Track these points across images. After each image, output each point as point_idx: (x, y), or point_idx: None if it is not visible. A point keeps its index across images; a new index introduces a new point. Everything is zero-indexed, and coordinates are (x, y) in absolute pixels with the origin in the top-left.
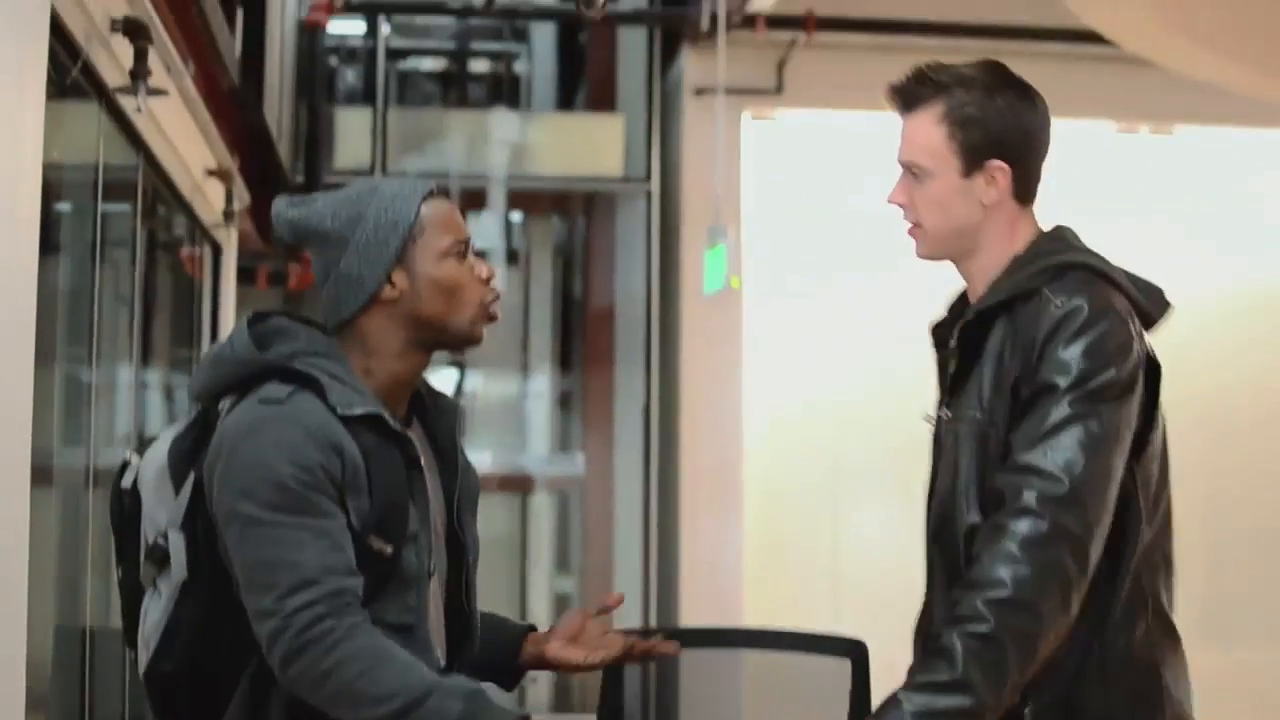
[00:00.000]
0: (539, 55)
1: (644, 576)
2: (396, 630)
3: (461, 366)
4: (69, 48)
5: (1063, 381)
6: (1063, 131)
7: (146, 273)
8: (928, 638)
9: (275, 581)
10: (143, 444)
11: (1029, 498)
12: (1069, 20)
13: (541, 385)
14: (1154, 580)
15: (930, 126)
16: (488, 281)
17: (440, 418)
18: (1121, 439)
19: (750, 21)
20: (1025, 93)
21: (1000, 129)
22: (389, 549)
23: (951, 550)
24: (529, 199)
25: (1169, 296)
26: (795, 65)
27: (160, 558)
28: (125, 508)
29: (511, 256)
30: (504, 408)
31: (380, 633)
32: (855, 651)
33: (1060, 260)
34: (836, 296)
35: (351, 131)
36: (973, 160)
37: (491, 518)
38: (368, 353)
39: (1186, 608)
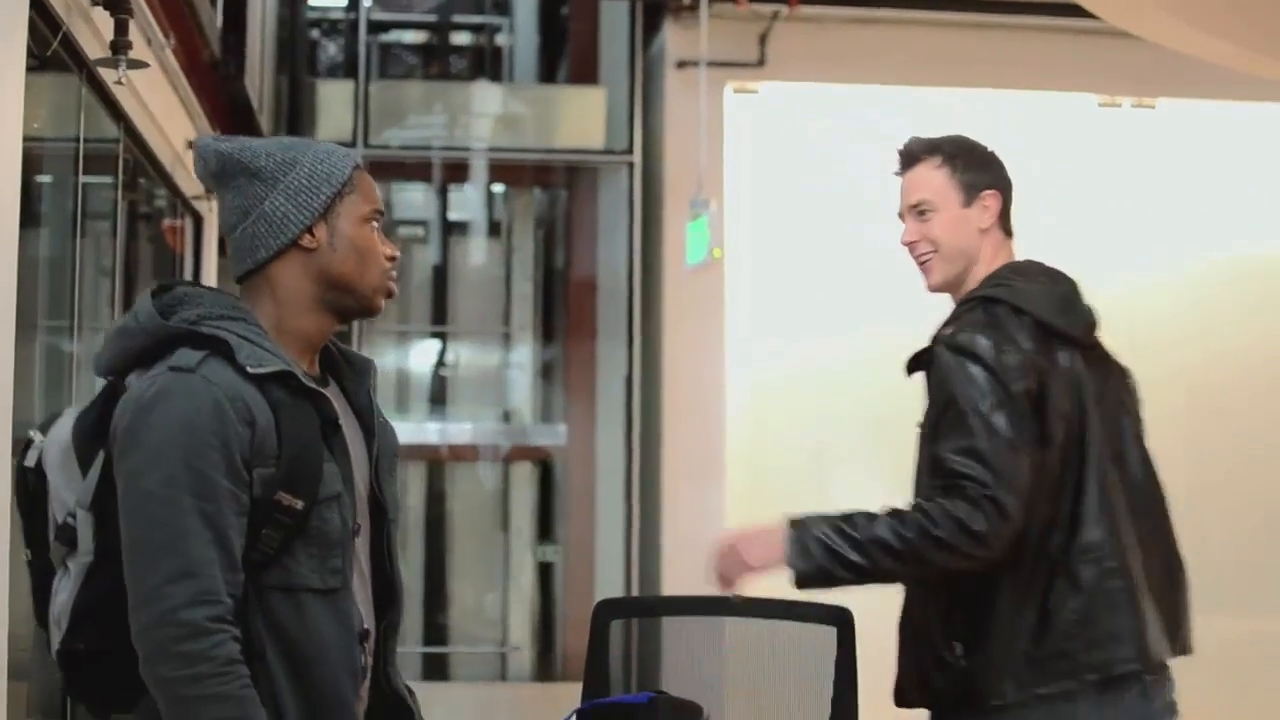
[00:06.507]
0: (521, 28)
1: (626, 547)
2: (320, 594)
3: (443, 337)
4: (49, 20)
5: (971, 395)
6: (1045, 105)
7: (127, 245)
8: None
9: (158, 565)
10: (46, 422)
11: (955, 485)
12: None
13: (523, 356)
14: (1068, 562)
15: (932, 170)
16: (392, 260)
17: (355, 378)
18: (1015, 441)
19: None
20: (990, 148)
21: (987, 166)
22: (299, 504)
23: None
24: (511, 171)
25: (1094, 315)
26: (777, 38)
27: (69, 538)
28: (31, 487)
29: (493, 228)
30: (485, 378)
31: (251, 688)
32: (841, 619)
33: (982, 294)
34: (819, 269)
35: (333, 104)
36: (970, 192)
37: (473, 488)
38: (277, 303)
39: None
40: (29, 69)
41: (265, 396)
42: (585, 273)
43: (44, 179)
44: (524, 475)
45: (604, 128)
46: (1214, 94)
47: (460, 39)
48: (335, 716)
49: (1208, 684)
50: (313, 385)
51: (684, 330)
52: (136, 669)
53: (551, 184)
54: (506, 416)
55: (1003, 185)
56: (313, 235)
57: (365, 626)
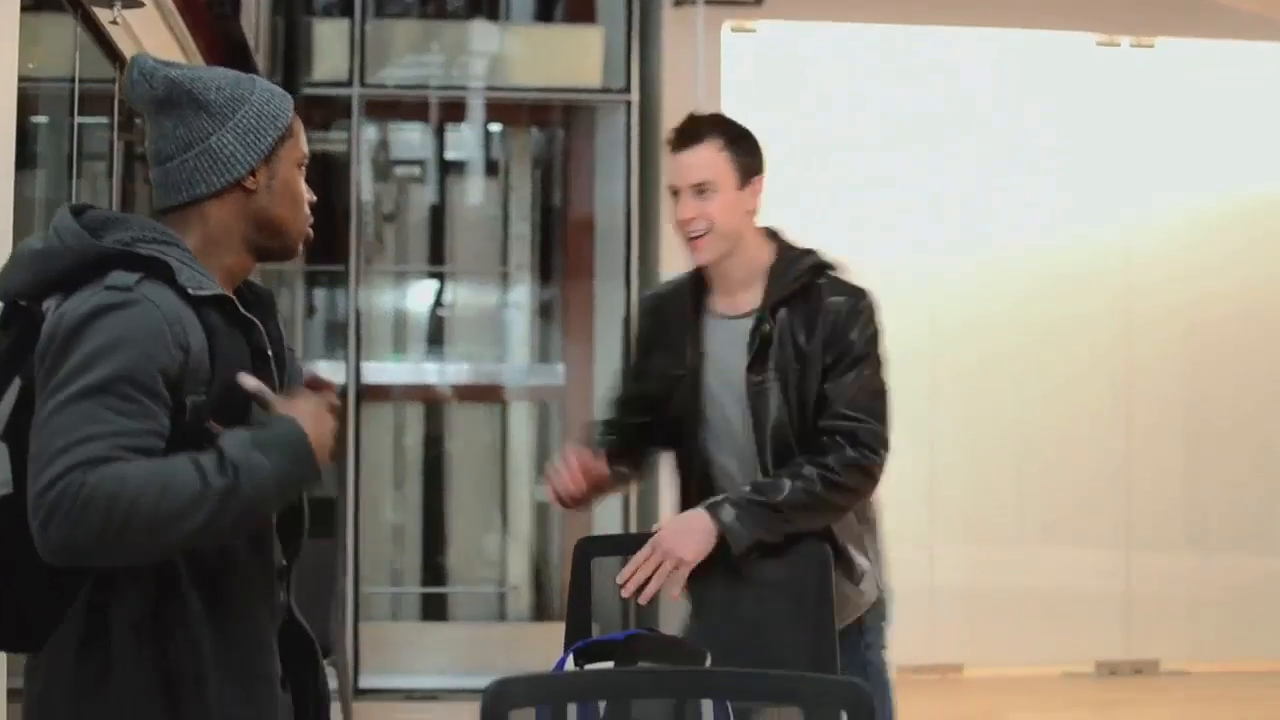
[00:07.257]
0: None
1: None
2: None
3: (440, 277)
4: None
5: (872, 349)
6: (1043, 44)
7: (124, 186)
8: None
9: (49, 468)
10: None
11: (849, 431)
12: None
13: (521, 296)
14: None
15: (716, 152)
16: (312, 206)
17: (263, 310)
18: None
19: None
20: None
21: (757, 151)
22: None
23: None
24: (508, 110)
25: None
26: None
27: None
28: None
29: (490, 168)
30: (483, 318)
31: (143, 458)
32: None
33: (819, 261)
34: (817, 208)
35: (329, 43)
36: (745, 175)
37: (471, 428)
38: (205, 240)
39: (1168, 515)
40: (23, 9)
41: (201, 321)
42: (583, 212)
43: (39, 120)
44: (522, 415)
45: (601, 66)
46: (1213, 33)
47: None
48: (255, 651)
49: (1205, 616)
50: (247, 314)
51: (682, 270)
52: (46, 605)
53: (549, 123)
54: (504, 357)
55: (763, 170)
56: (255, 177)
57: (283, 563)
